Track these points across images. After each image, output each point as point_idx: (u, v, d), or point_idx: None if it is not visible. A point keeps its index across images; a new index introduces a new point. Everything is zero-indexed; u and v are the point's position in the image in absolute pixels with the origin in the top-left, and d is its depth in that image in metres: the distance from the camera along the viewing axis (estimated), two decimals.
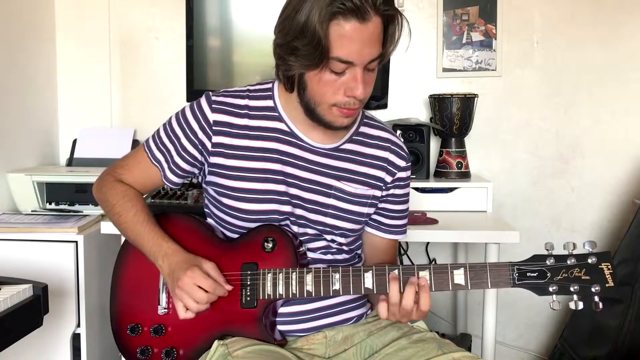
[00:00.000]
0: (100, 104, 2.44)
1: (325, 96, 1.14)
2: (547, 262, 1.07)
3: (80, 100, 2.44)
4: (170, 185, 1.32)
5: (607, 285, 1.04)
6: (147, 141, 1.32)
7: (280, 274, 1.19)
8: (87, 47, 2.42)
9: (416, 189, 2.06)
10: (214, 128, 1.25)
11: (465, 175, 2.19)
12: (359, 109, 1.19)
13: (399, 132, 2.18)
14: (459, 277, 1.11)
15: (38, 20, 2.32)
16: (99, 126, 2.43)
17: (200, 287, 1.15)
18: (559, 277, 1.06)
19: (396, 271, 1.13)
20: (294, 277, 1.19)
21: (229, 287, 1.19)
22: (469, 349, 2.12)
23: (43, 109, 2.35)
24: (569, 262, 1.06)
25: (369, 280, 1.15)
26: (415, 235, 1.75)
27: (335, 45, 1.08)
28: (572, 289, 1.06)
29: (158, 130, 1.31)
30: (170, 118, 1.30)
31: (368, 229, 1.37)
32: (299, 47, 1.10)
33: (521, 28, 2.33)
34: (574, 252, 1.06)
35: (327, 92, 1.14)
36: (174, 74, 2.38)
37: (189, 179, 1.35)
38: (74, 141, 2.33)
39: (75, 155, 2.30)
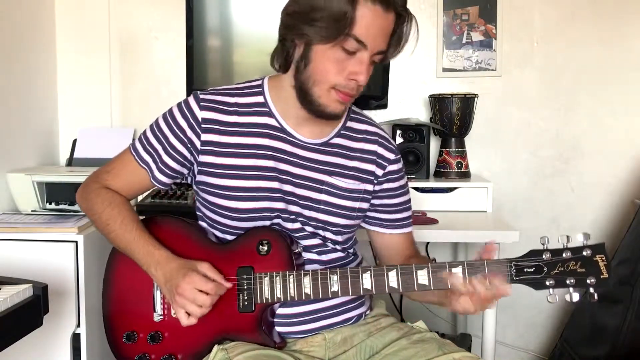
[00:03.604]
0: (100, 104, 2.44)
1: (329, 74, 1.14)
2: (544, 256, 1.08)
3: (80, 100, 2.44)
4: (159, 186, 1.30)
5: (601, 277, 1.06)
6: (132, 144, 1.30)
7: (277, 277, 1.19)
8: (87, 47, 2.41)
9: (416, 189, 2.06)
10: (202, 126, 1.23)
11: (465, 175, 2.19)
12: (354, 97, 1.19)
13: (399, 132, 2.18)
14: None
15: (38, 20, 2.32)
16: (99, 126, 2.42)
17: (200, 290, 1.14)
18: (556, 271, 1.07)
19: (459, 268, 1.11)
20: (291, 280, 1.18)
21: (228, 285, 1.18)
22: (469, 349, 2.11)
23: (43, 109, 2.35)
24: (564, 255, 1.07)
25: (367, 280, 1.15)
26: (415, 235, 1.74)
27: (356, 23, 1.09)
28: (568, 281, 1.07)
29: (144, 132, 1.29)
30: (156, 119, 1.29)
31: (373, 227, 1.37)
32: (318, 18, 1.10)
33: (521, 28, 2.33)
34: (569, 245, 1.07)
35: (331, 71, 1.14)
36: (174, 74, 2.38)
37: (179, 179, 1.33)
38: (74, 141, 2.33)
39: (75, 155, 2.29)
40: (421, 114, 2.37)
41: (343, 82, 1.15)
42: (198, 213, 1.35)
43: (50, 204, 2.05)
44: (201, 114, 1.23)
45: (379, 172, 1.32)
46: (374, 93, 2.21)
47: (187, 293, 1.14)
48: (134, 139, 1.31)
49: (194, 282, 1.14)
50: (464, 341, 2.17)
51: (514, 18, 2.33)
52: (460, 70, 2.36)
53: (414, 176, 2.13)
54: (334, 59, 1.13)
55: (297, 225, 1.27)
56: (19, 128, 2.17)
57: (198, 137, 1.24)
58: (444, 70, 2.36)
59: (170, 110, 1.27)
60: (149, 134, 1.28)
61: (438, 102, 2.19)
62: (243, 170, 1.24)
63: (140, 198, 1.91)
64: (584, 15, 2.31)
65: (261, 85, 1.28)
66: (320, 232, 1.29)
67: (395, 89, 2.33)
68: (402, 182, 1.37)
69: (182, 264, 1.19)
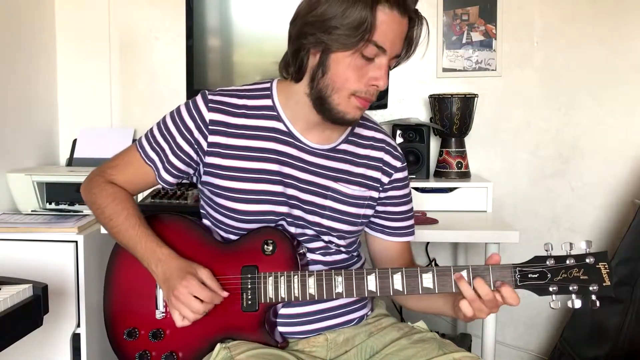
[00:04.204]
0: (100, 104, 2.44)
1: (349, 82, 1.14)
2: (548, 262, 1.09)
3: (80, 100, 2.44)
4: (165, 185, 1.29)
5: (604, 284, 1.07)
6: (139, 140, 1.29)
7: (282, 277, 1.19)
8: (87, 47, 2.42)
9: (416, 189, 2.06)
10: (210, 127, 1.23)
11: (465, 175, 2.19)
12: (372, 102, 1.19)
13: (399, 132, 2.18)
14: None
15: (38, 20, 2.32)
16: (99, 126, 2.42)
17: (196, 296, 1.14)
18: (559, 277, 1.08)
19: (464, 272, 1.12)
20: (295, 280, 1.18)
21: (224, 294, 1.18)
22: (469, 349, 2.11)
23: (43, 109, 2.35)
24: (568, 262, 1.08)
25: (372, 283, 1.15)
26: (415, 235, 1.74)
27: (376, 29, 1.10)
28: (571, 288, 1.07)
29: (151, 130, 1.29)
30: (164, 117, 1.28)
31: (375, 233, 1.37)
32: (338, 26, 1.10)
33: (521, 28, 2.33)
34: (572, 253, 1.08)
35: (351, 78, 1.14)
36: (174, 74, 2.38)
37: (185, 179, 1.32)
38: (74, 141, 2.33)
39: (75, 155, 2.30)
40: (421, 114, 2.37)
41: (363, 89, 1.15)
42: (202, 211, 1.35)
43: (50, 204, 2.05)
44: (209, 116, 1.23)
45: (385, 179, 1.32)
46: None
47: (183, 297, 1.14)
48: (140, 136, 1.30)
49: (191, 288, 1.14)
50: (464, 341, 2.17)
51: (514, 18, 2.33)
52: (460, 70, 2.36)
53: (414, 176, 2.13)
54: (354, 66, 1.13)
55: (303, 229, 1.27)
56: (19, 128, 2.17)
57: (205, 138, 1.23)
58: (444, 70, 2.36)
59: (178, 109, 1.26)
60: (156, 132, 1.27)
61: (438, 102, 2.19)
62: (248, 173, 1.23)
63: (140, 197, 1.91)
64: (584, 15, 2.31)
65: (270, 89, 1.27)
66: (324, 237, 1.28)
67: (395, 89, 2.33)
68: (406, 190, 1.37)
69: (183, 265, 1.19)
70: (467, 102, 2.17)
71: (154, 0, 2.41)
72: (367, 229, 1.38)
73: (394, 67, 1.20)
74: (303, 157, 1.25)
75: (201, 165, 1.26)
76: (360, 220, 1.31)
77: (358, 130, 1.32)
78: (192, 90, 2.19)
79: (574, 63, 2.32)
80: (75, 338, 1.78)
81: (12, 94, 2.12)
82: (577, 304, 1.07)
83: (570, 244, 1.08)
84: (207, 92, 1.26)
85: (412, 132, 2.16)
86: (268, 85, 1.28)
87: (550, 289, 1.08)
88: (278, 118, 1.25)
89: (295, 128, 1.25)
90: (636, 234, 2.05)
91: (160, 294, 1.26)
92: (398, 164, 1.34)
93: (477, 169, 2.35)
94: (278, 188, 1.24)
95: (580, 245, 1.08)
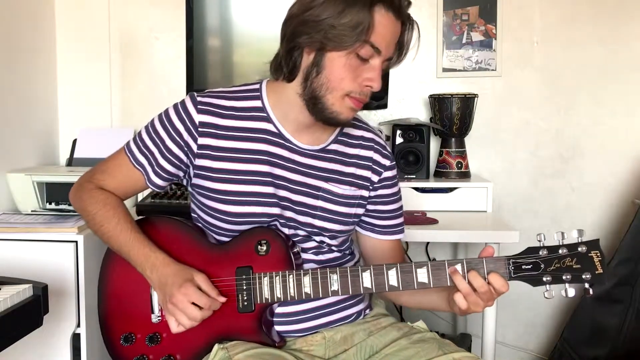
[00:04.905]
0: (100, 104, 2.44)
1: (343, 82, 1.14)
2: (541, 253, 1.10)
3: (80, 100, 2.44)
4: (154, 189, 1.29)
5: (596, 272, 1.08)
6: (127, 145, 1.28)
7: (277, 277, 1.19)
8: (87, 47, 2.42)
9: (416, 189, 2.06)
10: (199, 129, 1.22)
11: (465, 175, 2.20)
12: (365, 103, 1.20)
13: (399, 132, 2.18)
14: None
15: (38, 20, 2.32)
16: (99, 126, 2.43)
17: (194, 303, 1.14)
18: (552, 267, 1.09)
19: (458, 265, 1.12)
20: (291, 279, 1.18)
21: (222, 299, 1.17)
22: (469, 349, 2.12)
23: (43, 109, 2.35)
24: (560, 252, 1.09)
25: (367, 279, 1.16)
26: (415, 235, 1.75)
27: (374, 30, 1.11)
28: (564, 277, 1.09)
29: (139, 134, 1.27)
30: (152, 120, 1.27)
31: (365, 232, 1.37)
32: (335, 26, 1.10)
33: (521, 28, 2.33)
34: (564, 242, 1.09)
35: (347, 78, 1.14)
36: (174, 74, 2.38)
37: (175, 181, 1.31)
38: (74, 141, 2.33)
39: (75, 155, 2.30)
40: (421, 114, 2.37)
41: (358, 89, 1.16)
42: (193, 215, 1.34)
43: (50, 204, 2.05)
44: (198, 118, 1.22)
45: (375, 178, 1.32)
46: (375, 92, 2.21)
47: (180, 305, 1.13)
48: (129, 140, 1.29)
49: (189, 295, 1.13)
50: (464, 341, 2.17)
51: (514, 18, 2.33)
52: (460, 70, 2.36)
53: (414, 176, 2.13)
54: (349, 66, 1.14)
55: (294, 230, 1.27)
56: (19, 128, 2.17)
57: (195, 140, 1.22)
58: (444, 70, 2.36)
59: (167, 112, 1.25)
60: (145, 136, 1.26)
61: (438, 102, 2.19)
62: (239, 175, 1.23)
63: (140, 198, 1.91)
64: (584, 15, 2.31)
65: (259, 90, 1.27)
66: (316, 237, 1.28)
67: (395, 89, 2.33)
68: (395, 188, 1.37)
69: (178, 270, 1.18)
70: (467, 102, 2.17)
71: (154, 0, 2.41)
72: (357, 228, 1.38)
73: (385, 70, 1.19)
74: (294, 158, 1.25)
75: (191, 168, 1.25)
76: (351, 220, 1.31)
77: (347, 130, 1.32)
78: (192, 90, 2.19)
79: (574, 63, 2.32)
80: (75, 338, 1.78)
81: (12, 94, 2.12)
82: (570, 292, 1.08)
83: (562, 233, 1.09)
84: (195, 94, 1.25)
85: (412, 132, 2.16)
86: (257, 86, 1.28)
87: (544, 279, 1.09)
88: (268, 119, 1.25)
89: (285, 129, 1.24)
90: (636, 234, 2.05)
91: (155, 298, 1.26)
92: (387, 162, 1.34)
93: (477, 169, 2.35)
94: (269, 189, 1.23)
95: (572, 234, 1.09)
